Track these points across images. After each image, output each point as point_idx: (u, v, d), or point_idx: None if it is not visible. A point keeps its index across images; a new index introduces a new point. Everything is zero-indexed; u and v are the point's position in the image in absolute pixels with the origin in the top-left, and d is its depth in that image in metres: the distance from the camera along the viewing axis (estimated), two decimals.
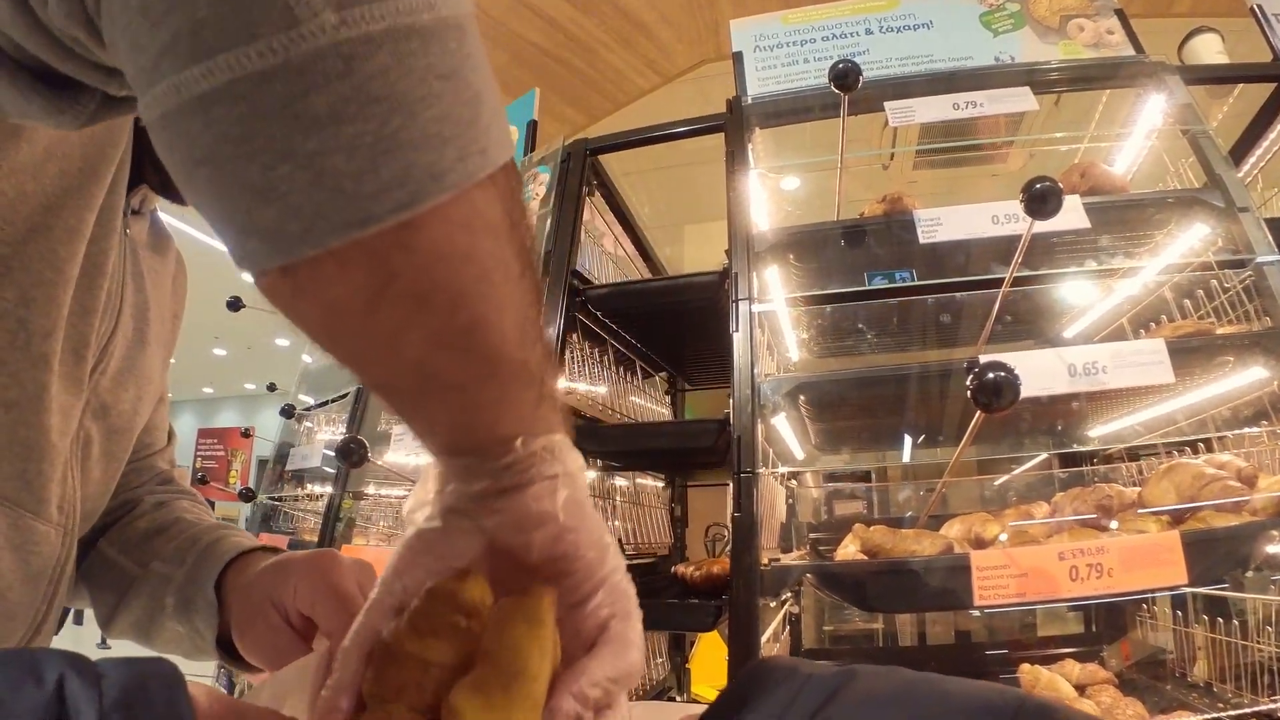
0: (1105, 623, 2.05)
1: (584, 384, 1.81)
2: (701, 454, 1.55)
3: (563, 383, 1.64)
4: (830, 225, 1.48)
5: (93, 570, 0.81)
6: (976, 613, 1.22)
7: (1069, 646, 1.98)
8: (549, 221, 1.77)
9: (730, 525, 1.30)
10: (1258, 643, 1.56)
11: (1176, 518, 1.40)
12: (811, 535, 1.92)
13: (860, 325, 1.58)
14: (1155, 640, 1.91)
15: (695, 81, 3.06)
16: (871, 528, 1.43)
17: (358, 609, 0.51)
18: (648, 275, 2.28)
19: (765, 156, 1.71)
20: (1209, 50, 1.99)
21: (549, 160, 1.95)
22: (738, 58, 1.85)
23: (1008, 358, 1.23)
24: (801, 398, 1.35)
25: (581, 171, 1.82)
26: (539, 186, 1.91)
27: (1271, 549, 1.28)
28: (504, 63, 3.00)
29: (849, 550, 1.49)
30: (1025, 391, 1.19)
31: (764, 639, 1.60)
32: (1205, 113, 1.92)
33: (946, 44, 1.79)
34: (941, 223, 1.36)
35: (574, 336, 1.71)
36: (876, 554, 1.38)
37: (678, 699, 2.10)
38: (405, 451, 2.27)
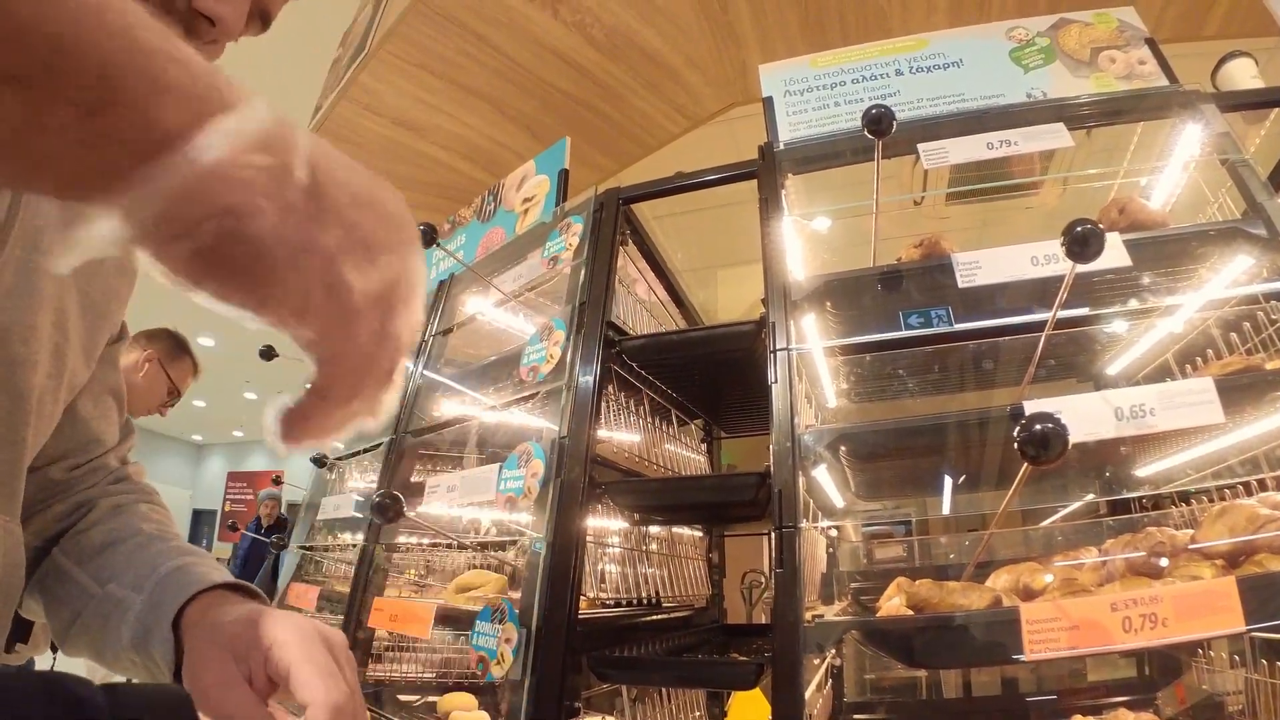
0: (1159, 668, 2.01)
1: (621, 434, 1.82)
2: (741, 506, 1.55)
3: (601, 433, 1.65)
4: (868, 271, 1.48)
5: (47, 582, 0.79)
6: (1022, 656, 1.21)
7: (1120, 692, 1.94)
8: (583, 272, 1.79)
9: (771, 579, 1.29)
10: None
11: (1231, 561, 1.38)
12: (853, 585, 1.90)
13: (900, 371, 1.58)
14: (1212, 683, 1.87)
15: (725, 124, 3.11)
16: (917, 581, 1.42)
17: (339, 683, 0.55)
18: (681, 321, 2.30)
19: (796, 201, 1.72)
20: (1244, 75, 1.98)
21: (581, 210, 1.98)
22: (768, 103, 1.87)
23: (1053, 402, 1.23)
24: (843, 448, 1.35)
25: (615, 221, 1.85)
26: (572, 236, 1.94)
27: None
28: (534, 110, 3.07)
29: (893, 604, 1.48)
30: (1072, 437, 1.18)
31: (807, 694, 1.59)
32: (1241, 139, 1.92)
33: (977, 82, 1.81)
34: (980, 265, 1.36)
35: (610, 388, 1.73)
36: (923, 608, 1.37)
37: None
38: (439, 502, 2.29)
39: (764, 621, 3.70)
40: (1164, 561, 1.45)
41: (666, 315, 2.21)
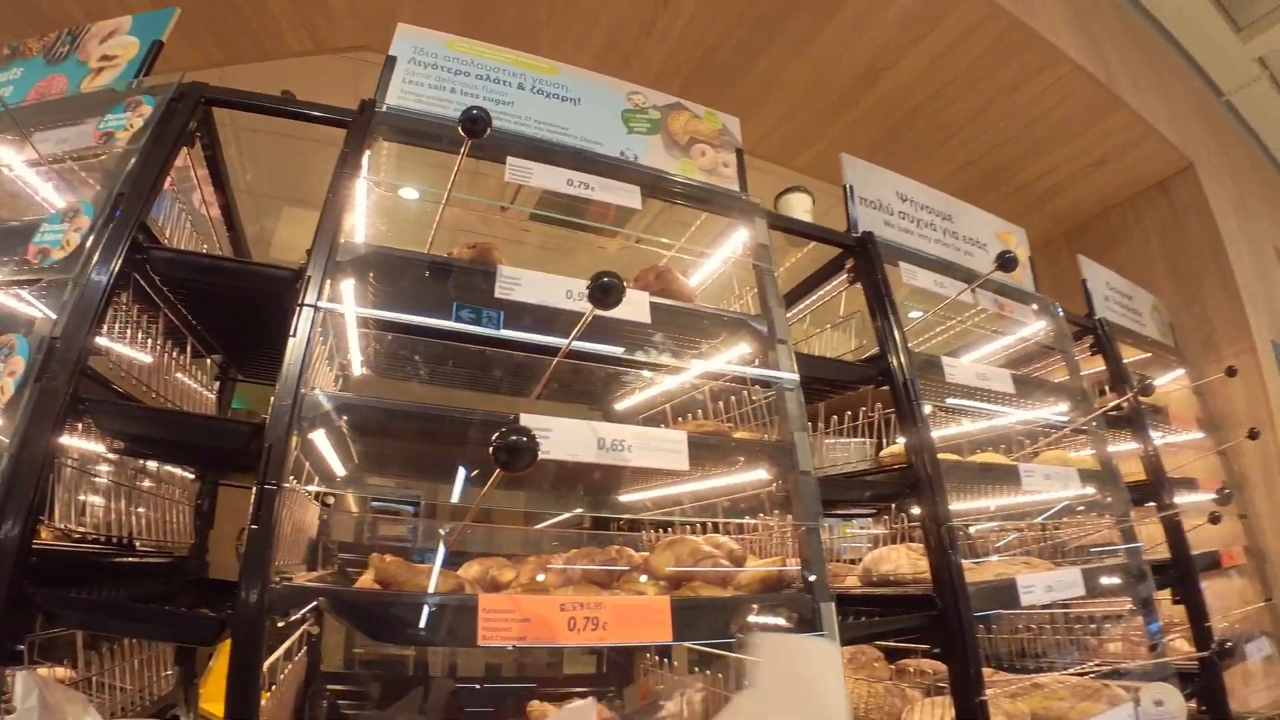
0: (612, 666, 2.31)
1: (125, 350, 1.66)
2: (239, 455, 1.50)
3: (102, 344, 1.49)
4: (417, 255, 1.53)
5: None
6: (510, 647, 1.32)
7: (589, 685, 2.19)
8: (132, 161, 1.61)
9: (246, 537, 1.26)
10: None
11: (674, 584, 1.65)
12: (343, 556, 1.92)
13: (435, 356, 1.65)
14: (668, 686, 2.19)
15: (352, 63, 2.98)
16: (388, 558, 1.48)
17: None
18: (228, 246, 2.14)
19: (388, 167, 1.71)
20: (799, 207, 2.44)
21: (158, 92, 1.78)
22: (390, 61, 1.84)
23: (548, 421, 1.37)
24: (344, 418, 1.36)
25: (189, 117, 1.69)
26: (137, 117, 1.73)
27: (751, 619, 1.56)
28: None
29: (366, 577, 1.53)
30: (557, 455, 1.33)
31: (276, 658, 1.57)
32: (784, 254, 2.32)
33: (584, 124, 1.95)
34: (520, 284, 1.48)
35: (126, 297, 1.57)
36: (390, 585, 1.43)
37: (183, 718, 1.95)
38: None
39: None
40: (606, 579, 1.67)
41: (214, 234, 2.05)
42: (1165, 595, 2.84)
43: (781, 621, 1.62)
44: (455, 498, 1.54)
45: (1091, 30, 3.68)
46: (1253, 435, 3.57)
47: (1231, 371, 3.63)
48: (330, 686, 2.18)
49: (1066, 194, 4.19)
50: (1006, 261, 2.22)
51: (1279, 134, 6.68)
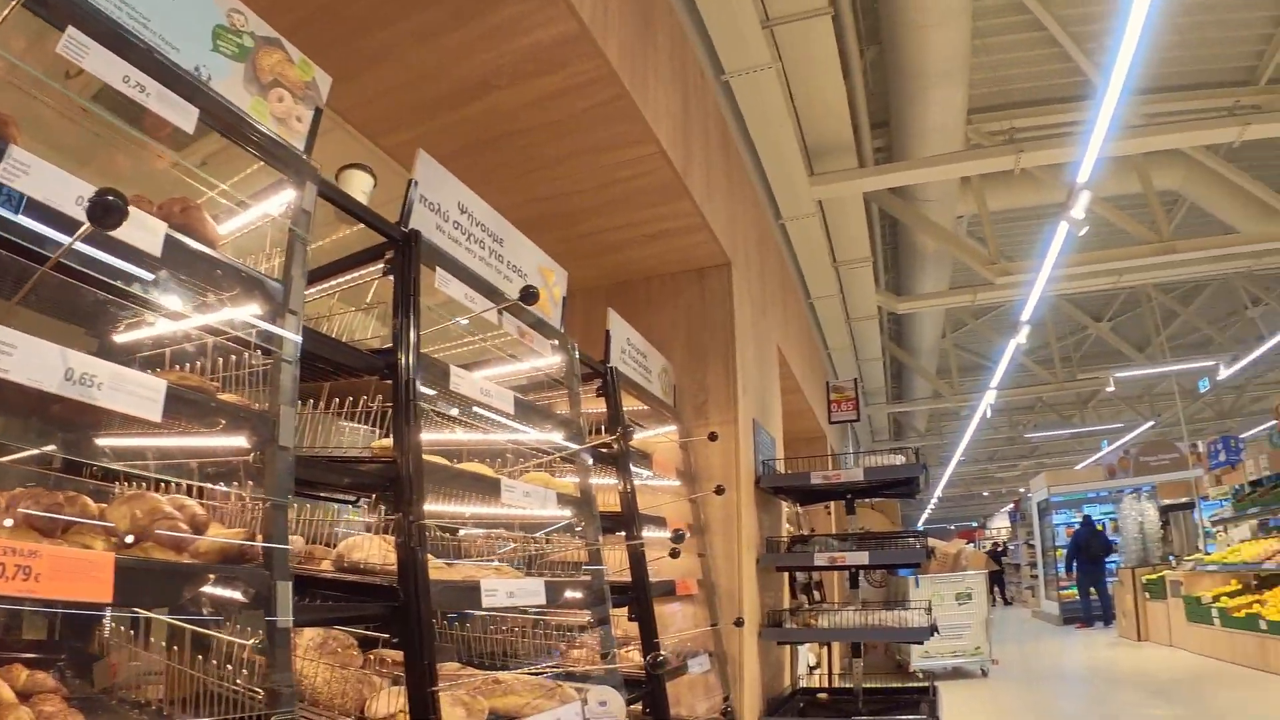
0: (68, 635, 2.11)
1: None
2: None
3: None
4: None
5: None
6: None
7: (38, 652, 1.97)
8: None
9: None
10: (215, 676, 1.82)
11: (127, 542, 1.58)
12: None
13: None
14: (145, 666, 2.05)
15: None
16: None
17: None
18: None
19: None
20: (358, 186, 2.46)
21: None
22: None
23: (14, 336, 1.26)
24: None
25: None
26: None
27: (207, 590, 1.54)
28: None
29: None
30: (14, 377, 1.24)
31: None
32: (335, 228, 2.36)
33: (169, 22, 1.80)
34: (29, 172, 1.37)
35: None
36: None
37: None
38: None
39: None
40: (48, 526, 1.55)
41: None
42: (622, 612, 3.43)
43: (238, 596, 1.61)
44: None
45: (689, 125, 4.31)
46: (719, 491, 4.51)
47: (713, 436, 4.52)
48: None
49: (621, 253, 4.82)
50: (527, 295, 2.53)
51: (811, 261, 8.36)
